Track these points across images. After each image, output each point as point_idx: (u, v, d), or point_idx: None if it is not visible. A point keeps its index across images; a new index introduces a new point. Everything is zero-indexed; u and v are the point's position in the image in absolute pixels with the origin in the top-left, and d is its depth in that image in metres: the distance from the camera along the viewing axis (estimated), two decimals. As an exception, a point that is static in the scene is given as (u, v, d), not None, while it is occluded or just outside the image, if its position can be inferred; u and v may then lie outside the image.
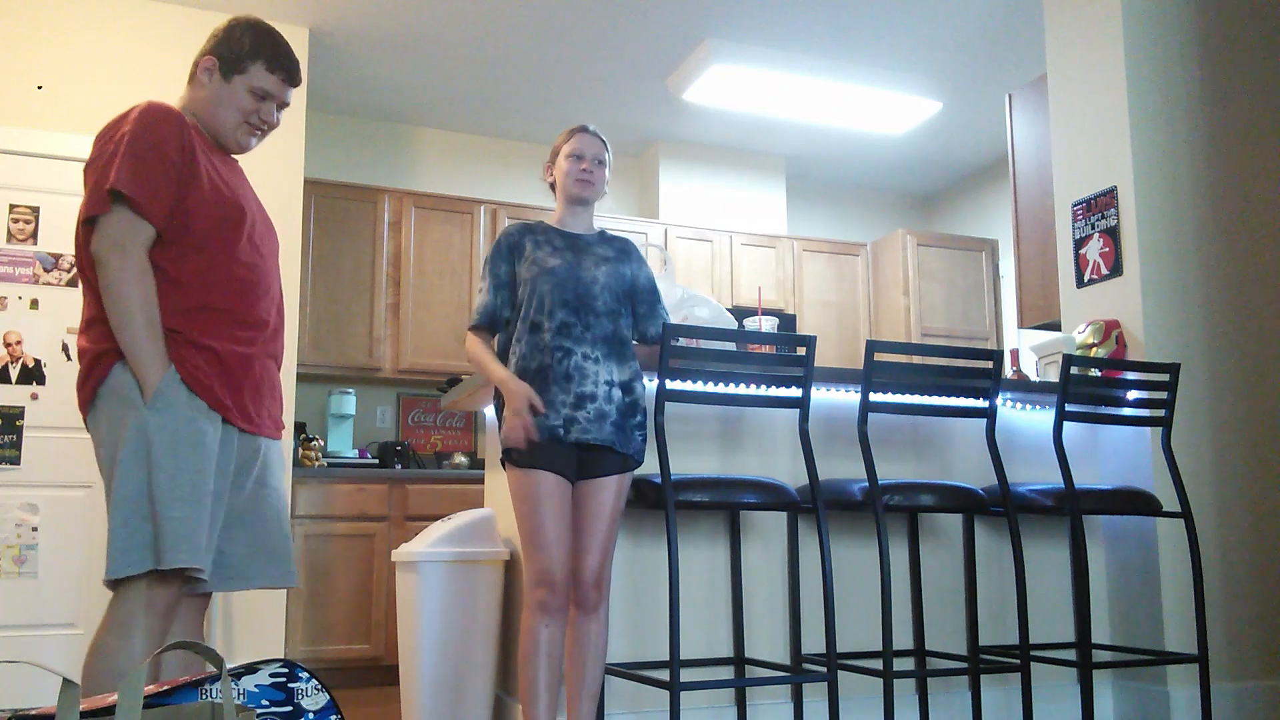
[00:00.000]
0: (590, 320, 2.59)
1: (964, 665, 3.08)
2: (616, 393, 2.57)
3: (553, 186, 2.83)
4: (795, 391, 2.77)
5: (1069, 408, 3.11)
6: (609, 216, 5.76)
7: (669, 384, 2.67)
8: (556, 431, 2.49)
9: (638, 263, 2.78)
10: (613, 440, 2.54)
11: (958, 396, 3.04)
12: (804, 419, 2.75)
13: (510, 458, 2.54)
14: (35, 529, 3.94)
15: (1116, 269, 3.61)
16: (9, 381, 3.99)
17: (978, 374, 2.95)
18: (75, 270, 2.11)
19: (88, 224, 2.04)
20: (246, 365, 2.12)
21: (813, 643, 3.06)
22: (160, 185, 2.03)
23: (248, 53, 2.19)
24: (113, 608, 1.96)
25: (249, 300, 2.14)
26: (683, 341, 2.87)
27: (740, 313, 5.69)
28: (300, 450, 4.86)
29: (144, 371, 1.98)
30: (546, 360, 2.54)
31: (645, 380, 2.86)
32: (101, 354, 2.03)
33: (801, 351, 3.04)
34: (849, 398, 3.21)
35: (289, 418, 4.45)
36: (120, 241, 2.00)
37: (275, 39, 2.23)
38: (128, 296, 1.99)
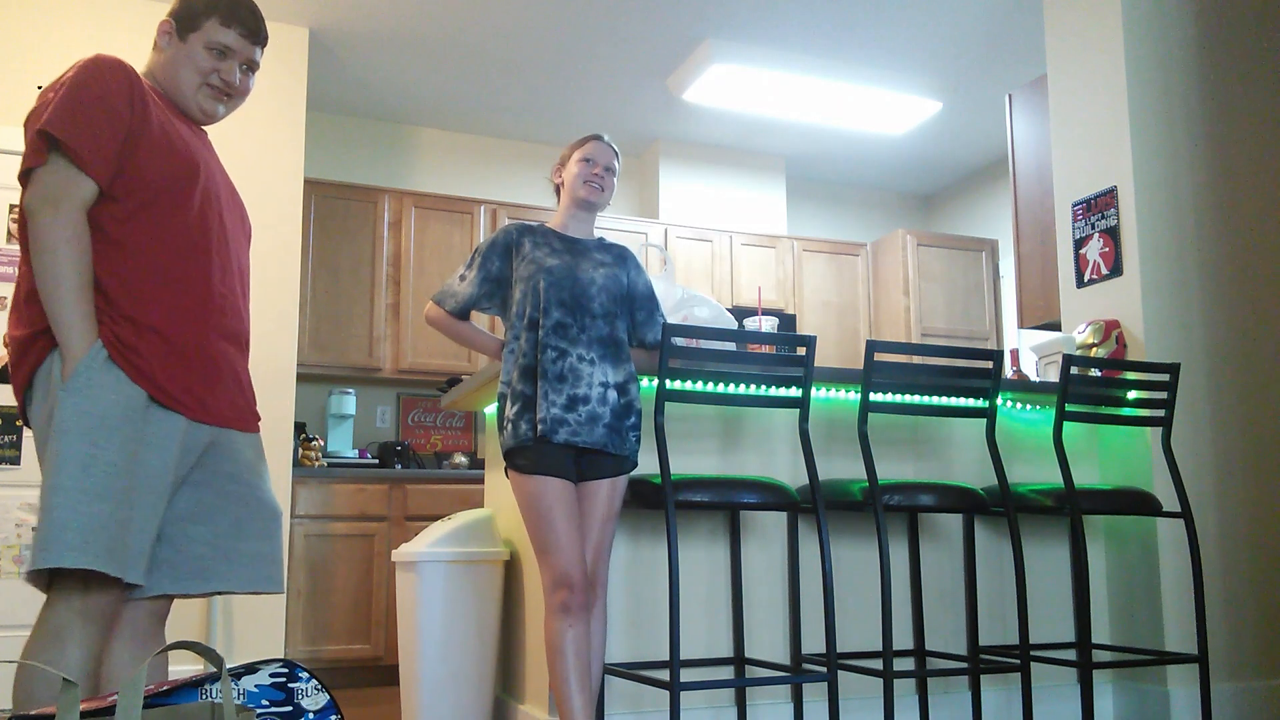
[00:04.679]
0: (586, 321, 2.59)
1: (964, 665, 3.08)
2: (611, 394, 2.57)
3: (558, 189, 2.83)
4: (795, 391, 2.77)
5: (1069, 408, 3.11)
6: (609, 216, 5.75)
7: (669, 384, 2.67)
8: (543, 429, 2.49)
9: (635, 269, 2.80)
10: (605, 443, 2.54)
11: (958, 396, 3.04)
12: (804, 419, 2.75)
13: (514, 465, 2.55)
14: (35, 529, 3.93)
15: (1116, 269, 3.61)
16: (9, 381, 3.99)
17: (978, 374, 2.95)
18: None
19: (25, 179, 1.85)
20: (196, 346, 1.92)
21: (813, 643, 3.06)
22: (104, 136, 1.84)
23: (202, 9, 2.03)
24: (44, 615, 1.78)
25: (200, 268, 1.95)
26: (682, 341, 2.87)
27: (740, 313, 5.69)
28: (300, 450, 4.86)
29: (67, 342, 1.78)
30: (540, 358, 2.54)
31: (640, 382, 2.86)
32: (38, 335, 1.84)
33: (801, 351, 3.04)
34: (849, 398, 3.21)
35: (287, 417, 4.44)
36: (53, 195, 1.80)
37: None
38: (57, 256, 1.79)
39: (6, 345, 1.90)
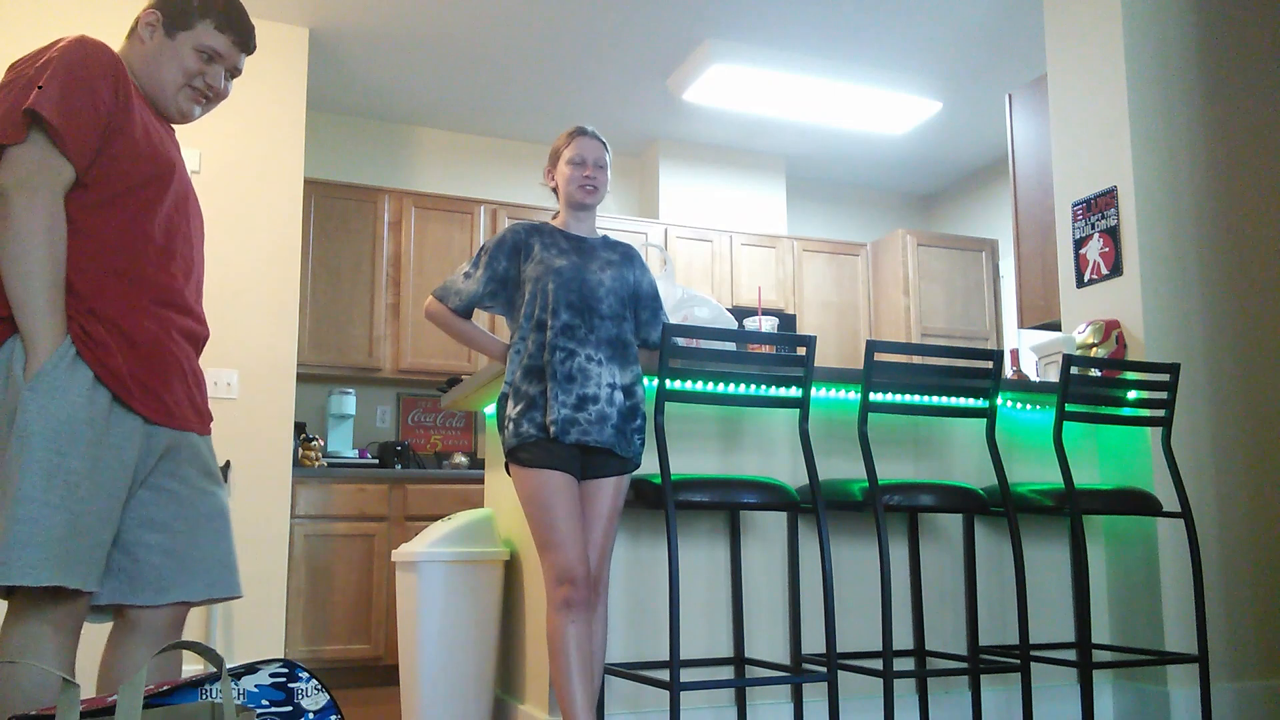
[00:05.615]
0: (594, 322, 2.59)
1: (964, 665, 3.08)
2: (618, 395, 2.57)
3: (555, 190, 2.83)
4: (795, 391, 2.77)
5: (1069, 408, 3.11)
6: (609, 217, 5.76)
7: (669, 384, 2.67)
8: (553, 432, 2.49)
9: (640, 269, 2.80)
10: (613, 443, 2.54)
11: (958, 396, 3.04)
12: (804, 419, 2.75)
13: (516, 459, 2.54)
14: None
15: (1116, 269, 3.61)
16: None
17: (978, 374, 2.95)
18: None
19: None
20: (157, 345, 1.84)
21: (813, 643, 3.06)
22: (87, 123, 1.77)
23: (195, 8, 1.96)
24: (12, 626, 1.72)
25: (167, 272, 1.88)
26: (683, 342, 2.87)
27: (740, 313, 5.69)
28: (300, 450, 4.86)
29: (34, 338, 1.69)
30: (548, 358, 2.54)
31: (644, 382, 2.86)
32: None
33: (801, 351, 3.04)
34: (849, 398, 3.21)
35: (287, 417, 4.44)
36: (32, 179, 1.71)
37: None
38: (33, 244, 1.70)
39: None
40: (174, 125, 2.06)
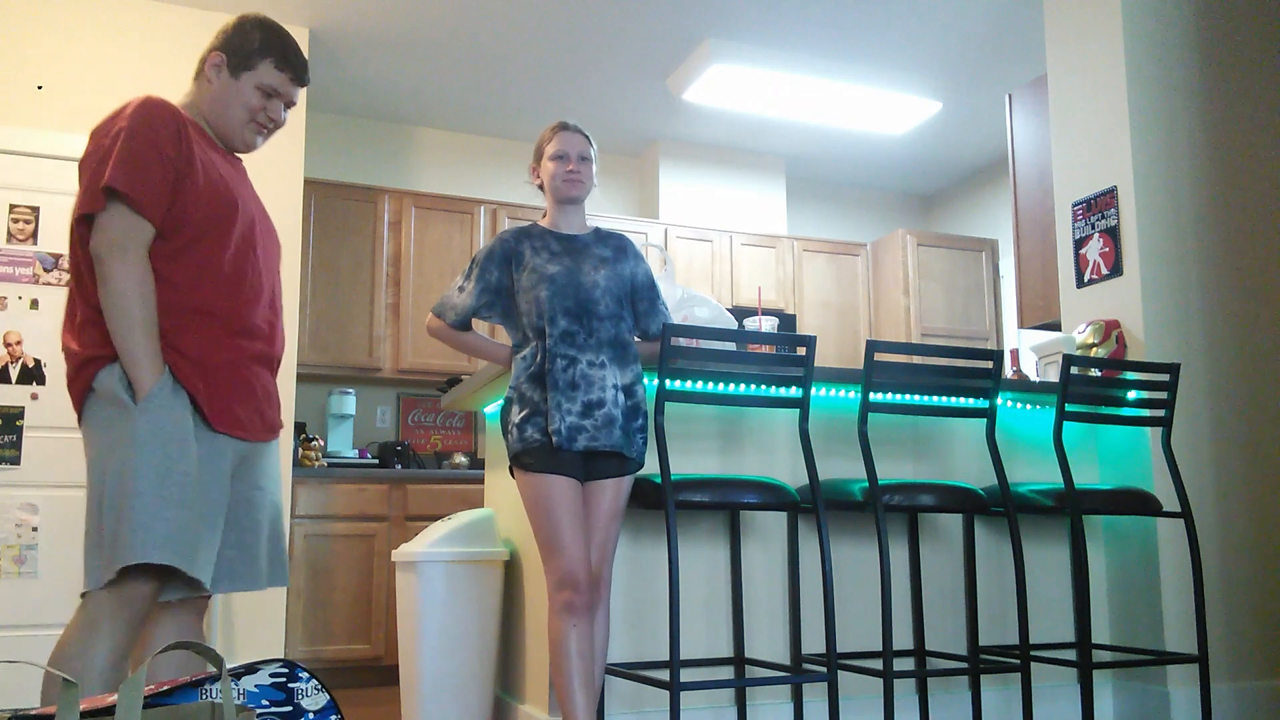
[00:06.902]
0: (594, 326, 2.58)
1: (964, 665, 3.08)
2: (620, 396, 2.57)
3: (541, 187, 2.81)
4: (795, 392, 2.77)
5: (1069, 408, 3.11)
6: (609, 217, 5.76)
7: (669, 384, 2.67)
8: (558, 440, 2.49)
9: (635, 259, 2.78)
10: (622, 445, 2.54)
11: (958, 396, 3.04)
12: (804, 419, 2.75)
13: (520, 464, 2.54)
14: (35, 529, 3.94)
15: (1116, 269, 3.61)
16: (9, 381, 3.99)
17: (978, 374, 2.95)
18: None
19: (82, 221, 2.01)
20: (232, 371, 2.09)
21: (813, 643, 3.06)
22: (157, 182, 2.00)
23: (257, 49, 2.18)
24: (81, 609, 1.93)
25: (240, 303, 2.11)
26: (683, 341, 2.87)
27: (740, 313, 5.69)
28: (300, 450, 4.86)
29: (139, 373, 1.95)
30: (549, 367, 2.54)
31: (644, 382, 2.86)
32: (90, 359, 2.00)
33: (801, 351, 3.04)
34: (849, 398, 3.21)
35: (288, 417, 4.45)
36: (120, 242, 1.97)
37: (284, 37, 2.23)
38: (128, 298, 1.96)
39: (63, 352, 2.08)
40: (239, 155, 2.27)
